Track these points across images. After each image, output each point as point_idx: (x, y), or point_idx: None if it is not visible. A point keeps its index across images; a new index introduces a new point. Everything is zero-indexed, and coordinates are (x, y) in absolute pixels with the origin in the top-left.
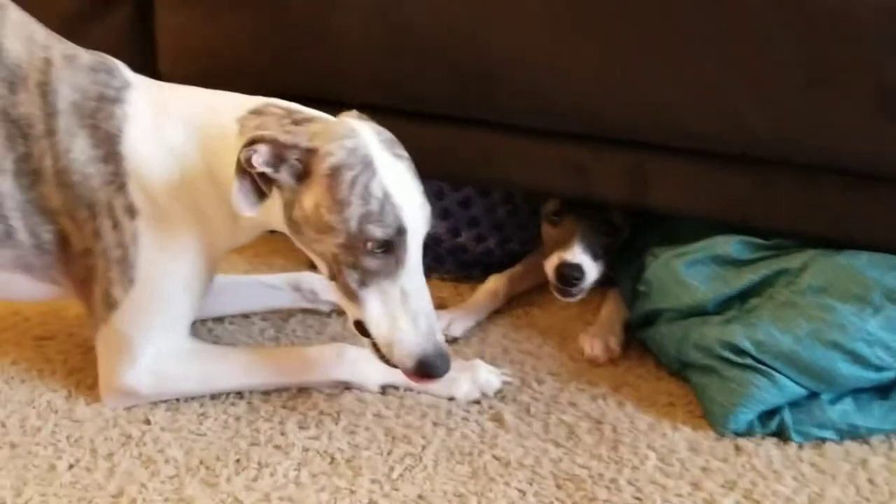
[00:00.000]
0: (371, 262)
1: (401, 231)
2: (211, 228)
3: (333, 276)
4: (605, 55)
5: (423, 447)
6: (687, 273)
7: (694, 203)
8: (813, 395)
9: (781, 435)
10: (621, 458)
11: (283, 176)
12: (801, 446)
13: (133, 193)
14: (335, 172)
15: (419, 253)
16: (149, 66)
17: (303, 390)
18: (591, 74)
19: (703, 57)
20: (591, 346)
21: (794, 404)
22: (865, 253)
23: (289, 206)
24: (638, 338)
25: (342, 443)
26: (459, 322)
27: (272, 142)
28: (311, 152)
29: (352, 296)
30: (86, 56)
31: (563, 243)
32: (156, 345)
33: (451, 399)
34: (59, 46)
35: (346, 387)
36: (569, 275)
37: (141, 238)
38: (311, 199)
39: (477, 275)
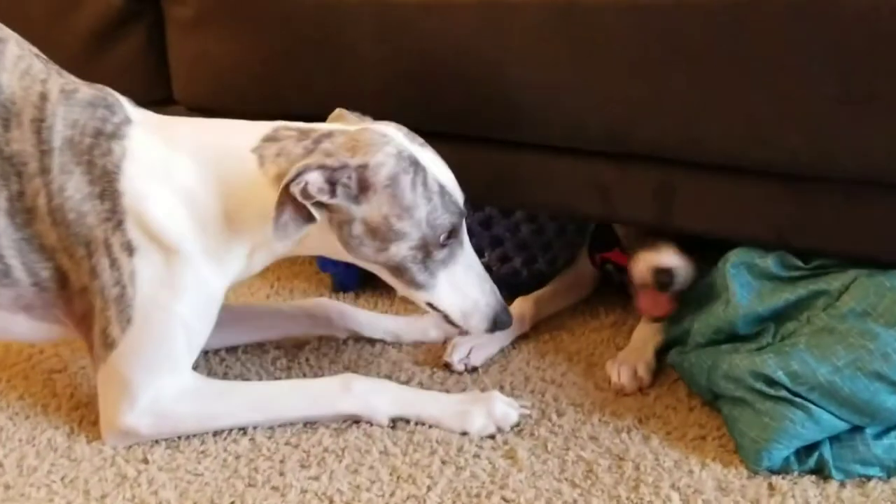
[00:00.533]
0: (441, 253)
1: (462, 214)
2: (219, 264)
3: (397, 276)
4: (633, 76)
5: (429, 488)
6: (732, 274)
7: (724, 222)
8: (856, 429)
9: (821, 472)
10: (641, 499)
11: (340, 198)
12: (842, 485)
13: (131, 231)
14: (394, 181)
15: (465, 226)
16: (162, 87)
17: (309, 425)
18: (617, 94)
19: (733, 74)
20: (619, 373)
21: (834, 439)
22: None
23: (345, 225)
24: (669, 362)
25: (343, 483)
26: (481, 350)
27: (321, 167)
28: (362, 168)
29: (419, 286)
30: (85, 90)
31: (651, 242)
32: (155, 385)
33: (464, 434)
34: (58, 81)
35: (355, 421)
36: (662, 281)
37: (139, 276)
38: (375, 212)
39: (504, 297)
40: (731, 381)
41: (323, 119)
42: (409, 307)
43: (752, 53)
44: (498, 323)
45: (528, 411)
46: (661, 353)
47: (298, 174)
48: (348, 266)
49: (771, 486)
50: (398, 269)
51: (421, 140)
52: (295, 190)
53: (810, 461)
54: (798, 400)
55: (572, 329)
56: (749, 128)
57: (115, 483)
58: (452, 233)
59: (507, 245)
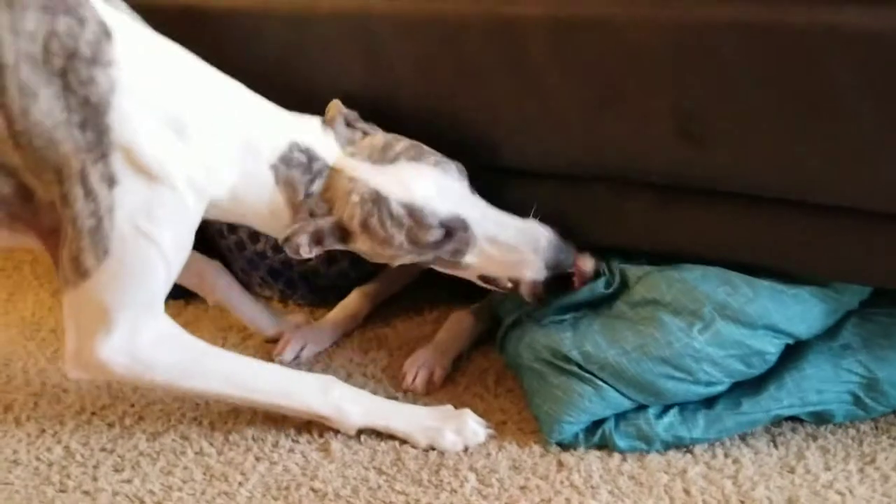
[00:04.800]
0: (449, 247)
1: (442, 223)
2: (203, 195)
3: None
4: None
5: (241, 483)
6: None
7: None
8: (640, 409)
9: (606, 448)
10: (441, 481)
11: (330, 245)
12: (624, 458)
13: (115, 164)
14: (365, 225)
15: (467, 198)
16: None
17: (126, 430)
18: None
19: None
20: (414, 375)
21: (620, 417)
22: (700, 267)
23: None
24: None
25: (155, 485)
26: (314, 345)
27: (306, 233)
28: (338, 223)
29: (456, 267)
30: None
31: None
32: (132, 320)
33: (432, 449)
34: None
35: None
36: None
37: (118, 209)
38: (365, 246)
39: (333, 300)
40: (531, 352)
41: None
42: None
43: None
44: (560, 267)
45: (493, 431)
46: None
47: (287, 239)
48: None
49: (560, 463)
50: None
51: (389, 154)
52: (289, 251)
53: (596, 438)
54: (588, 376)
55: (396, 325)
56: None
57: None
58: (446, 233)
59: None
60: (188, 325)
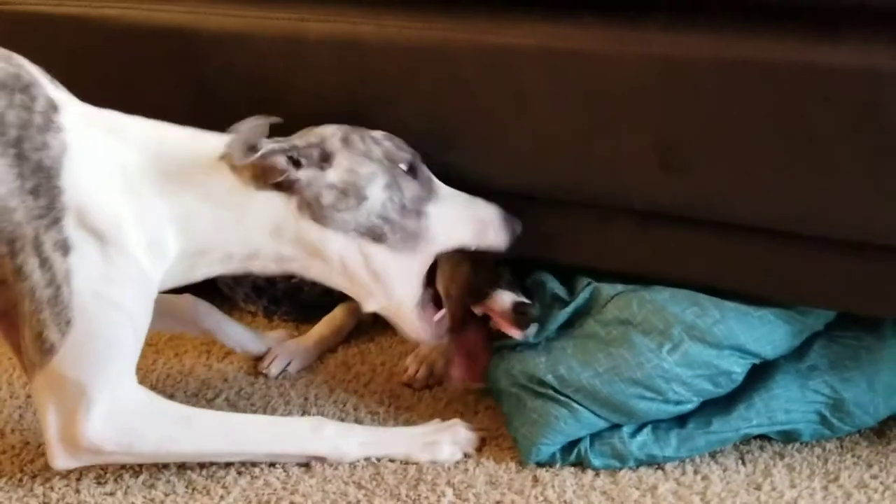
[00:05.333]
0: (413, 187)
1: (414, 153)
2: (159, 260)
3: (390, 241)
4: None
5: (222, 497)
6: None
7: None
8: (614, 428)
9: (580, 464)
10: (419, 496)
11: (306, 170)
12: (597, 474)
13: (69, 228)
14: (347, 140)
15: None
16: None
17: None
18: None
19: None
20: (417, 367)
21: (595, 436)
22: (669, 289)
23: (315, 202)
24: None
25: (138, 498)
26: (300, 359)
27: (283, 151)
28: (319, 143)
29: (415, 238)
30: None
31: (489, 285)
32: (109, 389)
33: (410, 464)
34: None
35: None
36: (525, 312)
37: (75, 275)
38: (341, 169)
39: (317, 316)
40: (508, 378)
41: None
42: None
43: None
44: (513, 231)
45: (485, 433)
46: None
47: (264, 156)
48: None
49: (535, 479)
50: (384, 229)
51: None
52: (264, 164)
53: (572, 456)
54: (563, 399)
55: (380, 342)
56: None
57: None
58: (413, 167)
59: None
60: (170, 343)
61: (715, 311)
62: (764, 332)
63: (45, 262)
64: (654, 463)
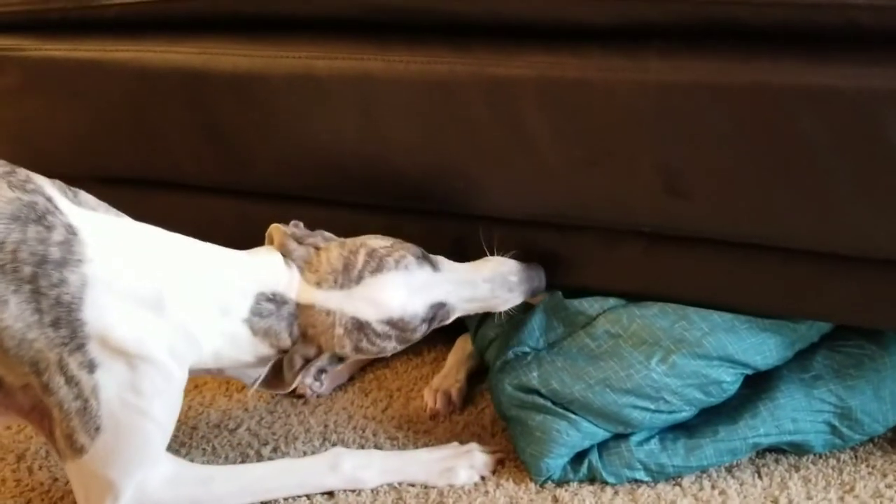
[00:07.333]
0: (433, 325)
1: (424, 318)
2: (184, 359)
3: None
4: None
5: None
6: (537, 310)
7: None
8: (621, 437)
9: (597, 481)
10: None
11: (332, 367)
12: (616, 492)
13: (94, 351)
14: (357, 350)
15: (434, 280)
16: None
17: None
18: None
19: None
20: (434, 399)
21: (602, 446)
22: (658, 304)
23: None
24: (485, 387)
25: None
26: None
27: (310, 375)
28: (333, 355)
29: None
30: None
31: None
32: (136, 478)
33: (431, 488)
34: None
35: None
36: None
37: (103, 389)
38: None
39: None
40: (509, 400)
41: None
42: None
43: None
44: (534, 288)
45: (502, 455)
46: (473, 377)
47: (294, 390)
48: None
49: (555, 498)
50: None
51: (361, 263)
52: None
53: (583, 469)
54: (561, 411)
55: (395, 367)
56: None
57: None
58: (430, 321)
59: None
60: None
61: (703, 323)
62: (753, 342)
63: (71, 380)
64: (664, 474)
